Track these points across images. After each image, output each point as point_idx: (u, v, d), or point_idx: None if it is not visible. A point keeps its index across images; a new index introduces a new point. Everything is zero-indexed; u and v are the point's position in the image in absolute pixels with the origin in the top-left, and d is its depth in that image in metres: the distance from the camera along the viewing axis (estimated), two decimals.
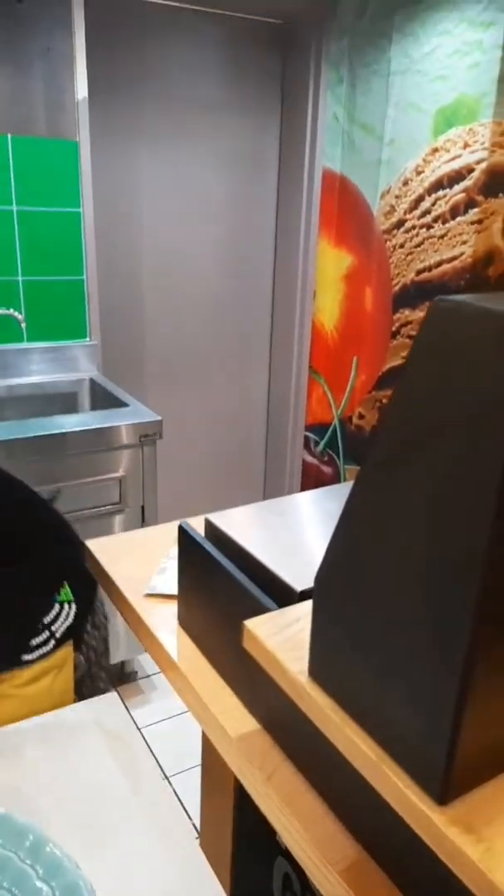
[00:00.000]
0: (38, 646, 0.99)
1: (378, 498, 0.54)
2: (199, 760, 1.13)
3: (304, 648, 0.62)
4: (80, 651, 1.06)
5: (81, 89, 1.99)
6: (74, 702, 0.99)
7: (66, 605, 1.04)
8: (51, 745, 0.80)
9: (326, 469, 2.71)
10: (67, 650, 1.03)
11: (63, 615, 1.03)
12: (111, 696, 0.90)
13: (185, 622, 0.90)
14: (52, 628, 1.01)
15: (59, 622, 1.02)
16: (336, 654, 0.58)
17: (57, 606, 1.03)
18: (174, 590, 0.94)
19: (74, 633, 1.05)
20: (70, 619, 1.04)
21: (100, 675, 1.10)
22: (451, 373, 0.48)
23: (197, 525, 0.87)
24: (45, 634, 1.00)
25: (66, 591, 1.04)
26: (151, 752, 1.82)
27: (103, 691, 1.06)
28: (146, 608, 0.93)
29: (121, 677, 2.16)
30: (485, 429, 0.45)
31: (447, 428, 0.48)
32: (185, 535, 0.86)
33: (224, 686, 0.81)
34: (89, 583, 1.06)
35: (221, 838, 1.04)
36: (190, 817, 1.57)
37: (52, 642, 1.00)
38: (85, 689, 1.06)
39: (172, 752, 1.82)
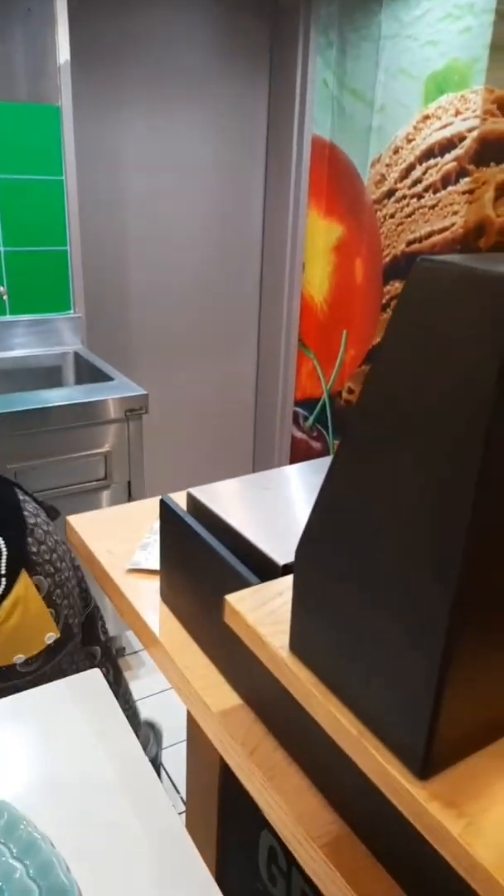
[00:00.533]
0: None
1: (357, 471, 0.52)
2: (185, 736, 1.13)
3: (285, 623, 0.61)
4: (39, 574, 1.07)
5: (63, 52, 1.93)
6: (54, 621, 1.02)
7: None
8: (29, 723, 0.79)
9: (315, 444, 2.70)
10: (23, 581, 1.03)
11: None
12: (94, 672, 0.89)
13: (167, 598, 0.89)
14: None
15: None
16: (317, 629, 0.57)
17: None
18: (157, 565, 0.92)
19: (19, 563, 1.06)
20: (4, 552, 1.05)
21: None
22: (434, 336, 0.46)
23: (180, 500, 0.85)
24: None
25: None
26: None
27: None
28: (129, 584, 0.92)
29: None
30: (467, 395, 0.43)
31: (429, 396, 0.46)
32: (166, 510, 0.84)
33: (207, 661, 0.81)
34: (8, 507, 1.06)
35: (207, 812, 1.04)
36: (178, 791, 1.58)
37: (3, 582, 1.02)
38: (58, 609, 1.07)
39: (161, 726, 1.83)
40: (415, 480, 0.47)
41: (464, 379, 0.44)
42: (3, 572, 1.02)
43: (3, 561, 1.04)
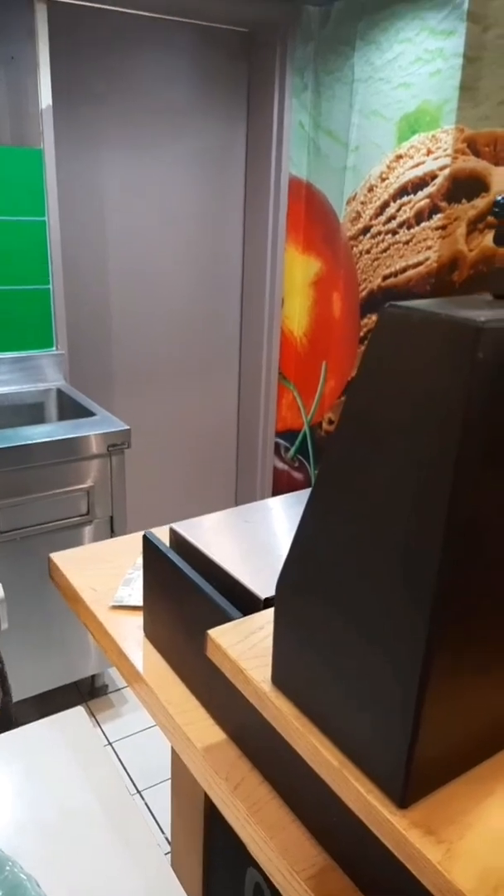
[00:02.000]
0: None
1: (333, 504, 0.54)
2: (170, 774, 1.12)
3: (267, 656, 0.62)
4: None
5: (45, 97, 1.98)
6: None
7: None
8: (13, 762, 0.78)
9: (297, 475, 2.72)
10: None
11: None
12: (77, 711, 0.89)
13: (150, 634, 0.89)
14: None
15: None
16: (298, 662, 0.58)
17: None
18: (140, 601, 0.93)
19: None
20: None
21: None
22: (400, 377, 0.48)
23: (163, 534, 0.86)
24: None
25: None
26: (123, 766, 1.80)
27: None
28: (112, 620, 0.92)
29: (91, 691, 2.14)
30: (432, 434, 0.45)
31: (397, 433, 0.48)
32: (149, 545, 0.85)
33: (190, 697, 0.81)
34: None
35: (192, 850, 1.03)
36: (162, 830, 1.56)
37: None
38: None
39: (144, 765, 1.81)
40: (388, 513, 0.49)
41: (427, 416, 0.46)
42: None
43: None
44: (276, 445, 2.79)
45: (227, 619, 0.70)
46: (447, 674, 0.50)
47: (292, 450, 2.72)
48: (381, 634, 0.51)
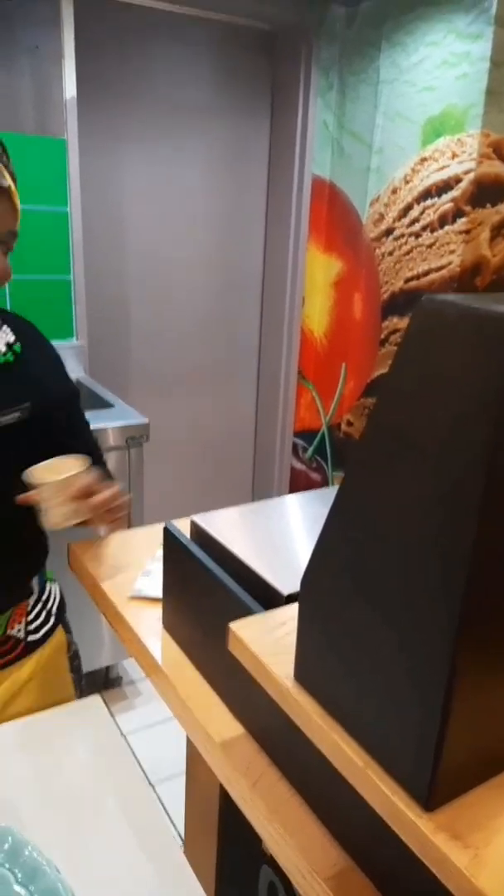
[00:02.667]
0: (39, 627, 1.01)
1: (363, 502, 0.53)
2: (184, 768, 1.12)
3: (289, 652, 0.62)
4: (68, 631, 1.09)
5: (70, 88, 1.99)
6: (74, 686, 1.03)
7: (50, 583, 1.08)
8: (33, 750, 0.78)
9: (315, 476, 2.71)
10: (60, 631, 1.06)
11: (54, 592, 1.08)
12: (94, 700, 0.89)
13: (169, 625, 0.89)
14: (49, 607, 1.04)
15: (52, 600, 1.06)
16: (322, 659, 0.58)
17: (48, 585, 1.06)
18: (159, 593, 0.93)
19: (62, 612, 1.08)
20: (58, 596, 1.08)
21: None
22: (436, 372, 0.48)
23: (183, 527, 0.86)
24: (44, 615, 1.03)
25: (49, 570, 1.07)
26: (136, 758, 1.80)
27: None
28: (131, 611, 0.92)
29: (105, 683, 2.14)
30: (468, 430, 0.45)
31: (432, 430, 0.48)
32: (170, 537, 0.85)
33: (209, 690, 0.80)
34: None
35: (206, 846, 1.03)
36: (174, 825, 1.56)
37: (52, 621, 1.04)
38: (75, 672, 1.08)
39: (157, 758, 1.80)
40: (418, 512, 0.48)
41: (462, 414, 0.45)
42: (54, 612, 1.05)
43: (56, 605, 1.06)
44: (294, 445, 2.78)
45: (248, 613, 0.70)
46: (476, 674, 0.49)
47: (310, 450, 2.71)
48: (409, 633, 0.50)
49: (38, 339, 1.04)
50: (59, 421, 1.02)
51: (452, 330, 0.47)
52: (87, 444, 1.06)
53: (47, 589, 1.06)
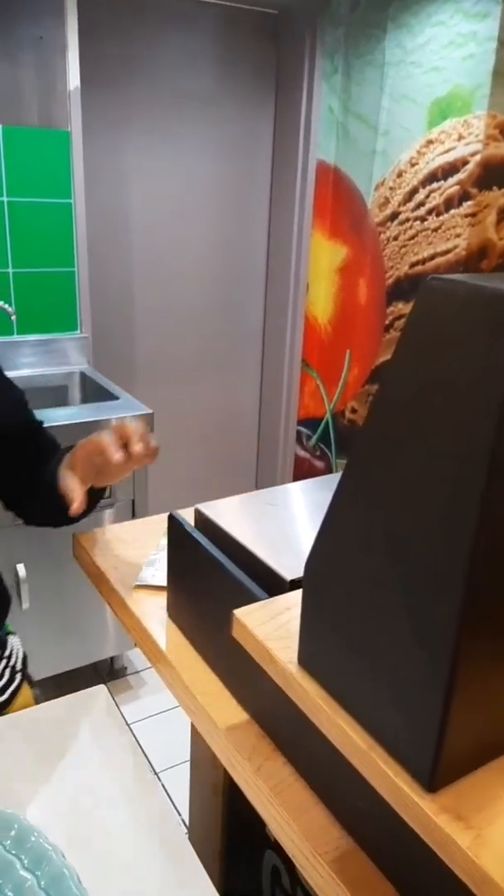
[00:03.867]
0: (4, 687, 0.97)
1: (365, 489, 0.53)
2: (187, 757, 1.13)
3: (293, 637, 0.62)
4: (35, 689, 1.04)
5: (73, 79, 1.97)
6: None
7: (12, 637, 1.04)
8: (38, 739, 0.79)
9: (318, 463, 2.71)
10: (26, 688, 1.02)
11: (16, 647, 1.03)
12: (99, 689, 0.89)
13: (174, 613, 0.89)
14: (12, 664, 1.00)
15: (14, 656, 1.01)
16: (325, 643, 0.58)
17: (9, 641, 1.02)
18: (163, 581, 0.93)
19: (26, 667, 1.04)
20: (20, 651, 1.03)
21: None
22: (443, 356, 0.47)
23: (187, 516, 0.86)
24: (8, 673, 0.98)
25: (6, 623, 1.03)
26: (140, 747, 1.82)
27: None
28: (135, 600, 0.93)
29: (110, 672, 2.15)
30: (475, 415, 0.44)
31: (437, 416, 0.47)
32: (174, 525, 0.85)
33: (213, 677, 0.81)
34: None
35: (210, 833, 1.04)
36: (179, 813, 1.57)
37: (17, 679, 1.00)
38: None
39: (161, 747, 1.82)
40: (421, 499, 0.48)
41: (470, 397, 0.45)
42: (18, 668, 1.01)
43: (19, 661, 1.02)
44: (298, 433, 2.78)
45: (252, 599, 0.70)
46: (480, 657, 0.49)
47: (314, 438, 2.70)
48: (413, 618, 0.50)
49: None
50: (14, 439, 0.99)
51: (461, 309, 0.46)
52: (46, 443, 1.04)
53: (9, 645, 1.01)
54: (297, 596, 0.65)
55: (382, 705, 0.53)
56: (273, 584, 0.71)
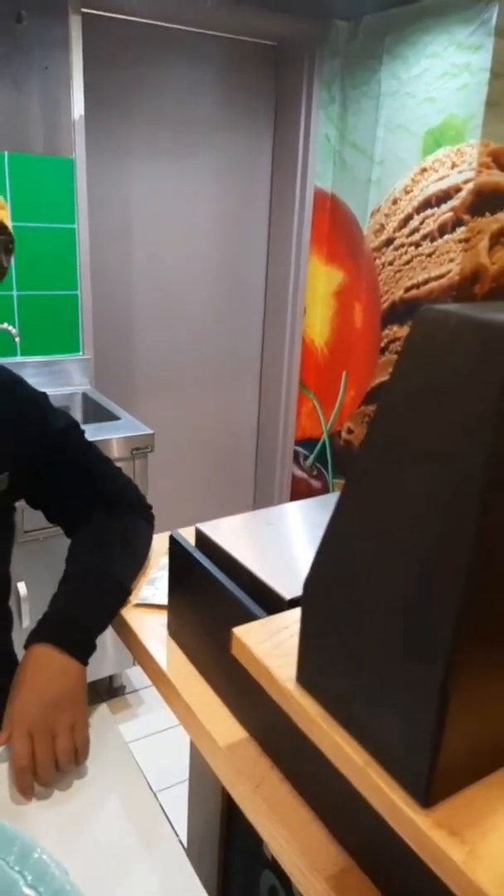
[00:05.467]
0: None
1: (363, 509, 0.55)
2: (185, 776, 1.13)
3: (292, 656, 0.63)
4: None
5: (78, 108, 2.02)
6: None
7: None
8: None
9: (315, 483, 2.72)
10: None
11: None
12: (101, 708, 0.90)
13: (174, 632, 0.90)
14: None
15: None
16: (323, 661, 0.59)
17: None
18: (164, 600, 0.94)
19: None
20: None
21: None
22: (436, 381, 0.49)
23: (187, 535, 0.87)
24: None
25: None
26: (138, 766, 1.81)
27: None
28: (136, 619, 0.94)
29: (108, 691, 2.15)
30: (468, 442, 0.46)
31: (432, 439, 0.49)
32: (175, 545, 0.86)
33: (213, 696, 0.82)
34: None
35: (208, 851, 1.04)
36: (177, 833, 1.56)
37: None
38: None
39: (159, 767, 1.81)
40: (418, 519, 0.50)
41: (463, 423, 0.47)
42: None
43: None
44: (295, 453, 2.80)
45: (251, 618, 0.71)
46: (474, 675, 0.50)
47: (311, 458, 2.72)
48: (409, 635, 0.51)
49: (9, 392, 0.97)
50: (48, 480, 0.99)
51: (453, 339, 0.48)
52: (79, 500, 1.03)
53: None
54: (295, 614, 0.66)
55: (379, 722, 0.55)
56: (272, 603, 0.73)
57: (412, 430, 0.50)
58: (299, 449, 2.78)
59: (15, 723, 0.76)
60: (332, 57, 2.32)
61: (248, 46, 2.43)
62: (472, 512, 0.45)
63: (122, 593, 0.94)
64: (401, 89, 2.09)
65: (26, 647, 0.85)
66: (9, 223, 0.90)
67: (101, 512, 1.02)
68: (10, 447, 0.94)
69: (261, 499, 3.01)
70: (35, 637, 0.85)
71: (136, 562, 1.00)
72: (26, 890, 0.51)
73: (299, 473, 2.80)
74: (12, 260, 0.90)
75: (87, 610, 0.89)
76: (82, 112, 2.03)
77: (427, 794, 0.51)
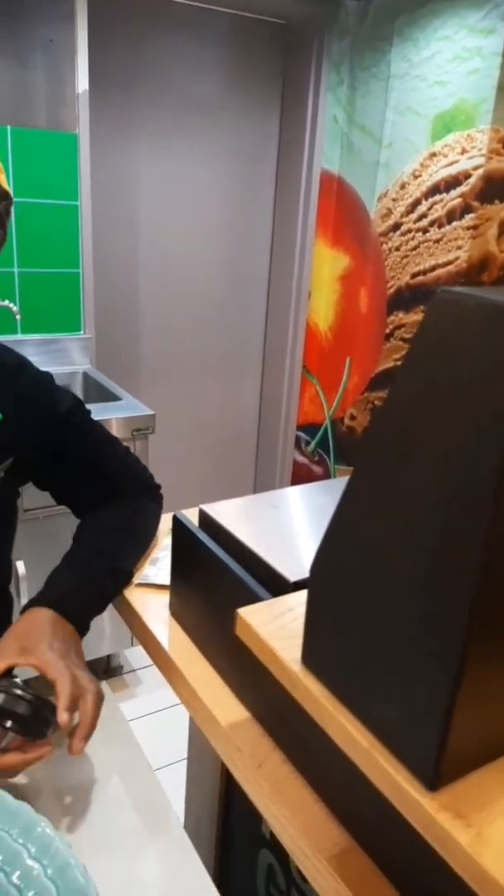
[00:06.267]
0: None
1: (374, 492, 0.54)
2: (183, 755, 1.13)
3: (296, 637, 0.63)
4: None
5: (82, 82, 1.99)
6: None
7: None
8: None
9: (317, 469, 2.72)
10: None
11: None
12: (102, 686, 0.90)
13: (176, 612, 0.90)
14: None
15: None
16: (329, 643, 0.59)
17: None
18: (166, 580, 0.94)
19: None
20: None
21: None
22: (452, 368, 0.48)
23: (191, 516, 0.87)
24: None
25: None
26: None
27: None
28: (138, 598, 0.94)
29: (106, 670, 2.16)
30: (483, 424, 0.45)
31: (445, 423, 0.48)
32: (178, 525, 0.86)
33: (215, 675, 0.82)
34: None
35: (206, 830, 1.04)
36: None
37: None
38: None
39: (156, 746, 1.81)
40: (429, 501, 0.49)
41: (479, 408, 0.46)
42: None
43: None
44: (297, 438, 2.79)
45: (255, 600, 0.71)
46: (484, 657, 0.50)
47: (313, 443, 2.72)
48: (417, 616, 0.51)
49: (13, 375, 0.96)
50: (54, 461, 0.98)
51: (469, 322, 0.47)
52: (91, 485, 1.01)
53: None
54: (300, 597, 0.66)
55: (385, 704, 0.54)
56: (276, 586, 0.72)
57: (425, 411, 0.50)
58: (301, 434, 2.77)
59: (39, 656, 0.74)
60: (342, 37, 2.29)
61: (257, 24, 2.39)
62: (487, 495, 0.45)
63: (123, 577, 0.94)
64: (411, 72, 2.06)
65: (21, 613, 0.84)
66: (6, 186, 0.87)
67: (109, 493, 1.02)
68: (16, 430, 0.93)
69: (261, 483, 3.01)
70: (30, 604, 0.84)
71: (142, 545, 1.00)
72: (30, 862, 0.51)
73: (300, 459, 2.79)
74: (12, 221, 0.87)
75: (86, 589, 0.88)
76: (86, 87, 2.00)
77: (434, 777, 0.51)
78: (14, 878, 0.49)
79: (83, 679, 0.74)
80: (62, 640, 0.77)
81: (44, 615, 0.81)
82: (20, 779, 0.72)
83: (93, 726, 0.71)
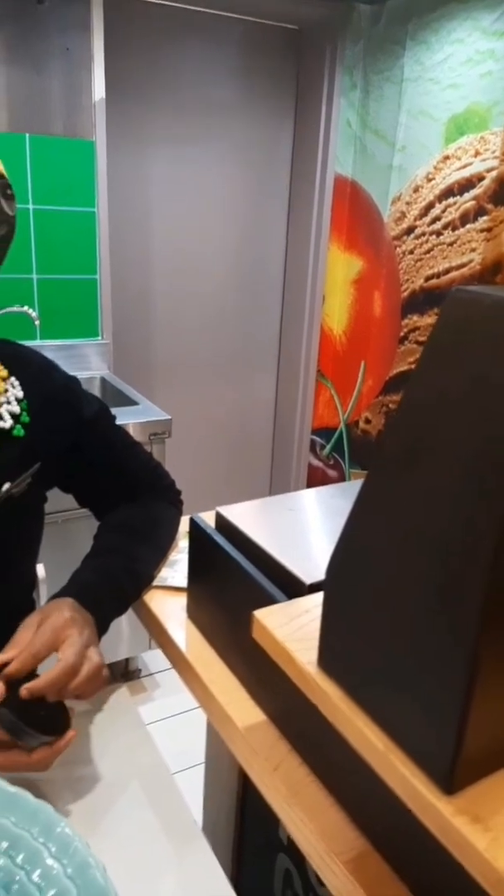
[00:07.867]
0: None
1: (387, 494, 0.54)
2: (200, 759, 1.14)
3: (312, 639, 0.63)
4: None
5: (99, 90, 2.01)
6: None
7: None
8: None
9: (332, 473, 2.72)
10: None
11: None
12: (121, 689, 0.91)
13: (193, 615, 0.91)
14: None
15: None
16: (345, 646, 0.59)
17: None
18: (183, 582, 0.94)
19: None
20: None
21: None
22: (468, 360, 0.48)
23: (207, 519, 0.88)
24: None
25: None
26: None
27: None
28: (155, 600, 0.94)
29: (124, 674, 2.17)
30: (497, 426, 0.45)
31: (459, 426, 0.48)
32: (195, 527, 0.86)
33: (232, 678, 0.82)
34: None
35: (223, 834, 1.05)
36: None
37: None
38: None
39: (174, 750, 1.81)
40: (446, 502, 0.49)
41: (494, 399, 0.46)
42: None
43: None
44: (312, 442, 2.79)
45: (271, 602, 0.71)
46: (498, 659, 0.50)
47: (328, 447, 2.72)
48: (434, 619, 0.51)
49: (42, 378, 0.96)
50: (79, 465, 0.98)
51: (486, 320, 0.47)
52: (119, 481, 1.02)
53: None
54: (316, 599, 0.66)
55: (401, 707, 0.54)
56: (292, 588, 0.73)
57: (441, 411, 0.50)
58: (316, 438, 2.77)
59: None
60: (355, 41, 2.29)
61: (271, 30, 2.40)
62: (499, 508, 0.45)
63: (143, 580, 0.94)
64: (424, 75, 2.06)
65: None
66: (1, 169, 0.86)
67: (131, 497, 1.03)
68: (43, 434, 0.93)
69: (277, 487, 3.01)
70: (50, 600, 0.85)
71: (161, 549, 1.00)
72: (50, 861, 0.51)
73: (315, 462, 2.79)
74: (15, 207, 0.86)
75: (104, 585, 0.89)
76: (103, 94, 2.02)
77: (450, 780, 0.51)
78: (34, 877, 0.49)
79: (91, 651, 0.76)
80: (80, 624, 0.78)
81: (63, 602, 0.82)
82: (39, 778, 0.73)
83: (82, 689, 0.72)
